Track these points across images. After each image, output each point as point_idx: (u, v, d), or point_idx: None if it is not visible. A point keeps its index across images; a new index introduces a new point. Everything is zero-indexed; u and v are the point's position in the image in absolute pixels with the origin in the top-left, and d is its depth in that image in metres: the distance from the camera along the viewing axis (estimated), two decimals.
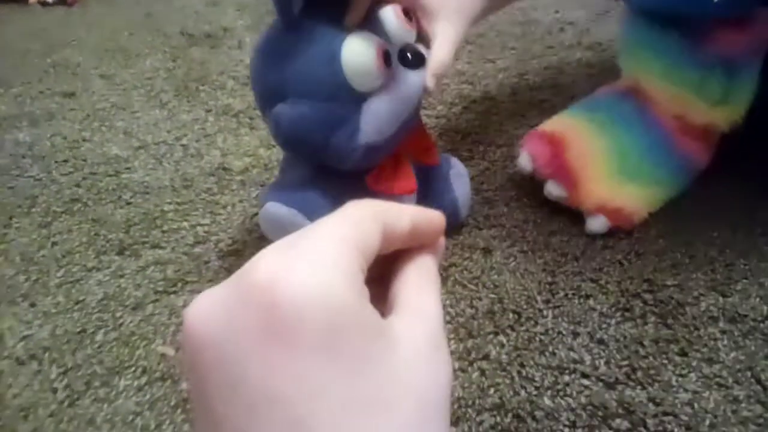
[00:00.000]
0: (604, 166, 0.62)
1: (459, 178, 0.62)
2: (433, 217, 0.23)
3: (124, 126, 0.88)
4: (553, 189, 0.62)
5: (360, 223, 0.19)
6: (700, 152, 0.64)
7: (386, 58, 0.48)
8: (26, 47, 1.17)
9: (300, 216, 0.52)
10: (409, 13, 0.52)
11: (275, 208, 0.53)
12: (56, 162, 0.81)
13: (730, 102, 0.60)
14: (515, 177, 0.70)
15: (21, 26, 1.28)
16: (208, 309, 0.18)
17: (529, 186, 0.67)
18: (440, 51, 0.53)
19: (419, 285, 0.21)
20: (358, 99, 0.49)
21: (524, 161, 0.64)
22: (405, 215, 0.21)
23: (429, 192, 0.60)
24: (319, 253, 0.17)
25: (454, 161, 0.64)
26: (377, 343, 0.17)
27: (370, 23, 0.50)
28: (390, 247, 0.21)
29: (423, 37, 0.54)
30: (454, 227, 0.63)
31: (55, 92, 0.98)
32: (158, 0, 1.37)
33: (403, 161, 0.56)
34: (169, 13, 1.29)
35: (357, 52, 0.47)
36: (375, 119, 0.49)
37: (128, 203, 0.72)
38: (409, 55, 0.51)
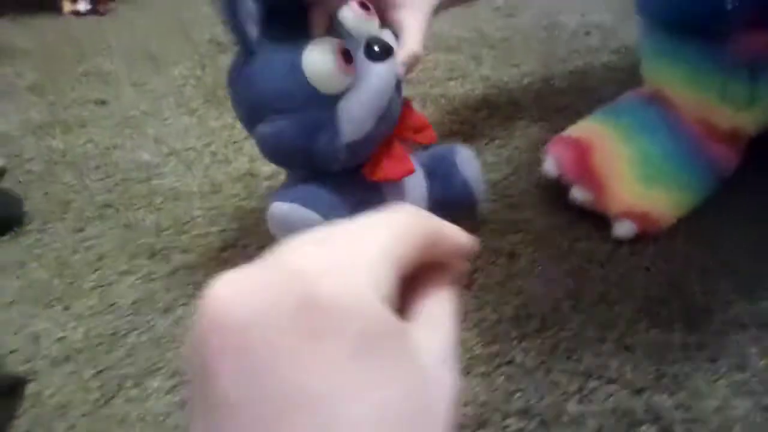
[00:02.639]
0: (630, 171, 0.61)
1: (467, 161, 0.62)
2: (465, 238, 0.23)
3: (155, 133, 0.90)
4: (578, 194, 0.62)
5: (404, 236, 0.20)
6: (726, 157, 0.63)
7: (346, 56, 0.47)
8: (60, 55, 1.20)
9: (302, 208, 0.52)
10: (365, 4, 0.51)
11: (278, 208, 0.53)
12: (89, 168, 0.83)
13: (756, 105, 0.60)
14: (540, 182, 0.70)
15: (55, 35, 1.31)
16: (238, 290, 0.17)
17: (554, 191, 0.67)
18: (410, 40, 0.54)
19: (440, 300, 0.22)
20: (331, 102, 0.49)
21: (550, 166, 0.64)
22: (444, 232, 0.22)
23: (438, 178, 0.60)
24: (363, 260, 0.18)
25: (459, 148, 0.63)
26: (405, 353, 0.18)
27: (332, 29, 0.51)
28: (422, 260, 0.21)
29: (391, 27, 0.54)
30: (471, 209, 0.63)
31: (87, 100, 1.01)
32: (187, 8, 1.39)
33: (396, 146, 0.55)
34: (199, 20, 1.31)
35: (316, 58, 0.47)
36: (352, 118, 0.49)
37: (158, 209, 0.74)
38: (376, 48, 0.50)
